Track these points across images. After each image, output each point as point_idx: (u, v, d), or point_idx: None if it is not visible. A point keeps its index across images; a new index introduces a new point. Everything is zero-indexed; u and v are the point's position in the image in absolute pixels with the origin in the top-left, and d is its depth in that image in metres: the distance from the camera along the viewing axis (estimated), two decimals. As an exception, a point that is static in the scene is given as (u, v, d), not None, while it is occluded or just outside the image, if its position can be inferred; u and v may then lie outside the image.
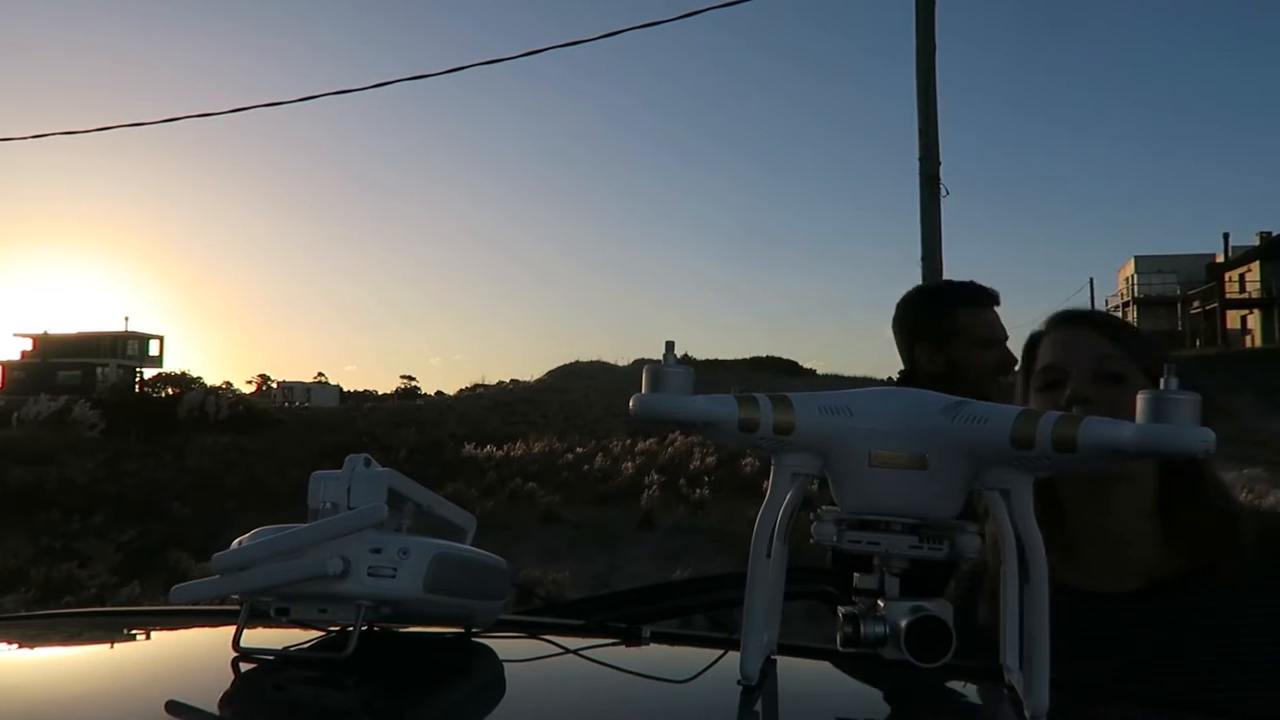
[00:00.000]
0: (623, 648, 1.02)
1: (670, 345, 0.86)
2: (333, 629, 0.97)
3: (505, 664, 0.98)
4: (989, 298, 2.28)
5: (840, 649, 0.85)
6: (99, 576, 12.21)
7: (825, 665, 1.01)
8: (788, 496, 0.87)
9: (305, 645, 0.97)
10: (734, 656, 0.86)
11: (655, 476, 17.53)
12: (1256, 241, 44.70)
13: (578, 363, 43.08)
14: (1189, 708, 1.06)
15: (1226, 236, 46.77)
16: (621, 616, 1.40)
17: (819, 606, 1.91)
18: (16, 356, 51.38)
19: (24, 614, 1.69)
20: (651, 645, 1.04)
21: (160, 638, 1.24)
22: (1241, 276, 43.58)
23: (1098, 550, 1.25)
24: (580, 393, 33.92)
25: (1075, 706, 0.93)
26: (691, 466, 18.18)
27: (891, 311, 2.38)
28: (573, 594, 8.18)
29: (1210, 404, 0.80)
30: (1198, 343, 42.05)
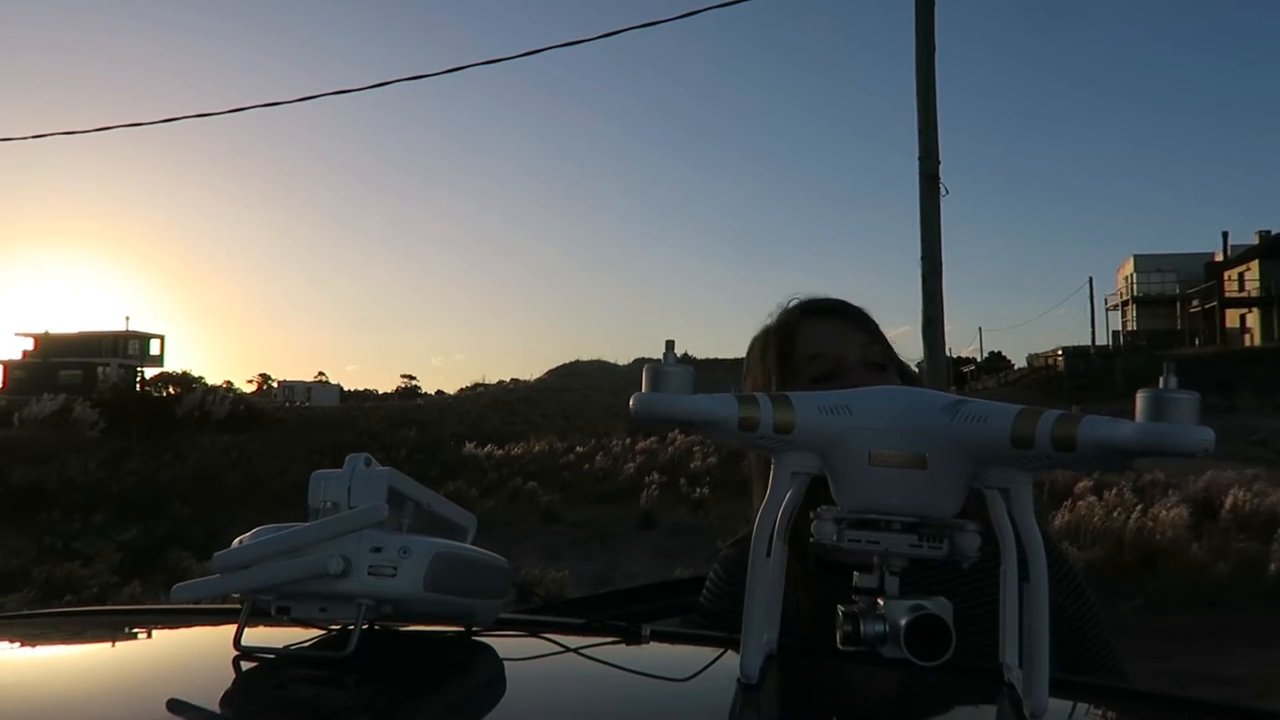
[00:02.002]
0: (623, 646, 1.02)
1: (670, 345, 0.86)
2: (333, 628, 0.97)
3: (505, 663, 0.98)
4: None
5: (840, 648, 0.85)
6: (100, 575, 12.21)
7: (825, 664, 1.01)
8: (787, 496, 0.87)
9: (306, 644, 0.97)
10: (734, 655, 0.86)
11: (655, 476, 17.53)
12: (1255, 240, 44.64)
13: (578, 362, 43.13)
14: (1190, 706, 1.06)
15: (1225, 235, 46.77)
16: (621, 615, 1.40)
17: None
18: (18, 356, 51.39)
19: (25, 613, 1.69)
20: (651, 644, 1.04)
21: (161, 637, 1.24)
22: (1240, 275, 43.53)
23: None
24: (580, 392, 33.94)
25: (1075, 706, 0.93)
26: (692, 466, 18.18)
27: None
28: (573, 593, 8.18)
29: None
30: (1197, 341, 42.05)
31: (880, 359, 1.34)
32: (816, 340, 1.35)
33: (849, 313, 1.40)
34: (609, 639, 1.02)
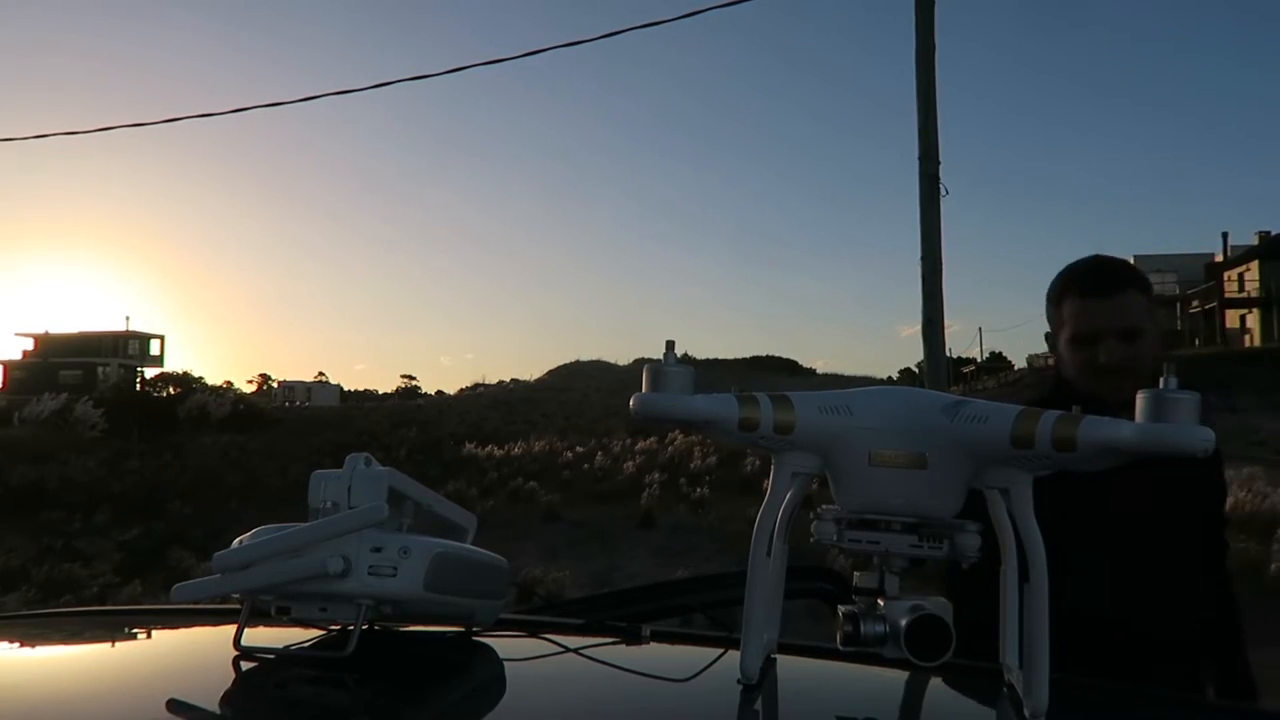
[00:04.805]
0: (623, 647, 1.02)
1: (670, 345, 0.86)
2: (333, 628, 0.97)
3: (505, 663, 0.98)
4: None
5: (840, 648, 0.85)
6: (100, 575, 12.20)
7: (825, 664, 1.01)
8: (788, 496, 0.87)
9: (306, 644, 0.97)
10: (734, 655, 0.86)
11: (655, 475, 17.52)
12: (1255, 241, 44.61)
13: (578, 362, 43.10)
14: (1190, 706, 1.06)
15: (1225, 236, 46.71)
16: (621, 615, 1.40)
17: (819, 606, 1.91)
18: (18, 356, 51.39)
19: (25, 613, 1.69)
20: (651, 644, 1.04)
21: (161, 636, 1.24)
22: (1240, 276, 43.50)
23: None
24: (580, 392, 33.91)
25: (1075, 705, 0.93)
26: (692, 466, 18.17)
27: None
28: (573, 593, 8.18)
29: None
30: (1197, 342, 42.00)
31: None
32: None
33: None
34: (609, 639, 1.02)
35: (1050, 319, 1.84)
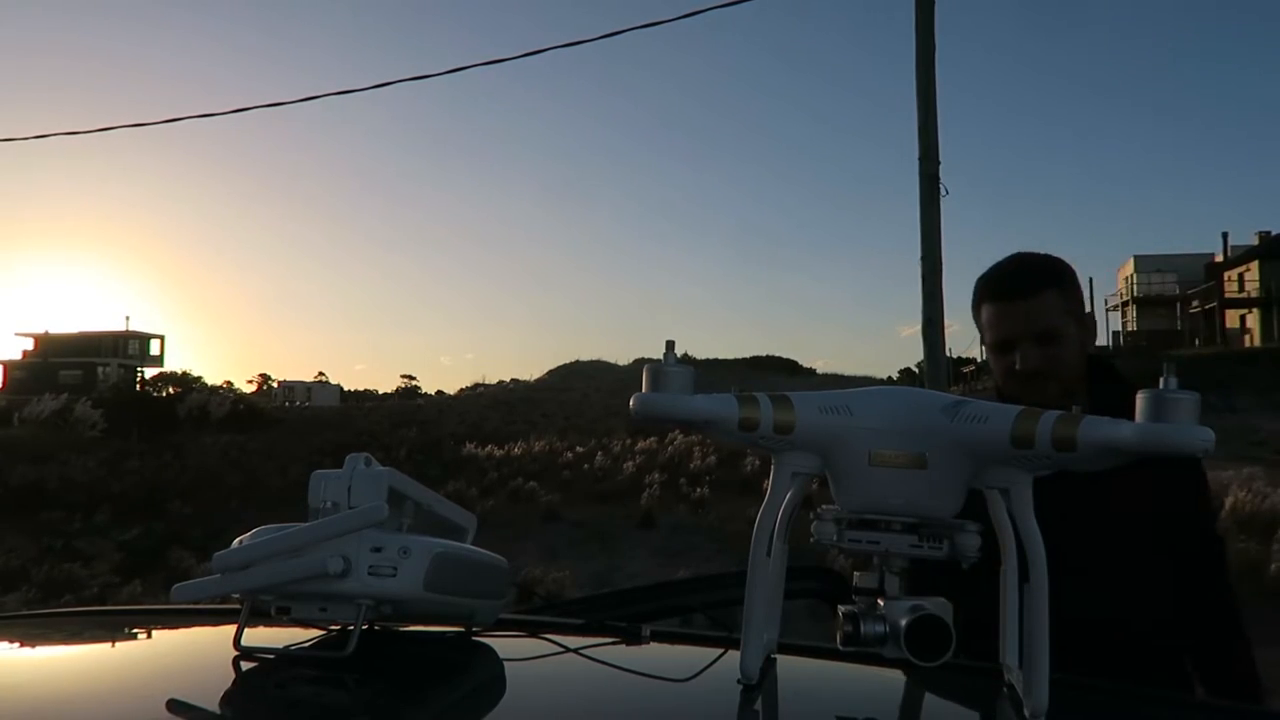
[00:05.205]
0: (623, 647, 1.02)
1: (670, 345, 0.87)
2: (333, 628, 0.97)
3: (505, 663, 0.98)
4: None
5: (840, 648, 0.85)
6: (100, 575, 12.21)
7: (825, 664, 1.01)
8: (788, 496, 0.87)
9: (306, 644, 0.97)
10: (734, 656, 0.86)
11: (655, 475, 17.52)
12: (1255, 241, 44.60)
13: (578, 362, 43.11)
14: (1190, 706, 1.06)
15: (1225, 236, 46.68)
16: (621, 615, 1.41)
17: (819, 606, 1.91)
18: (18, 356, 51.41)
19: (25, 613, 1.69)
20: (651, 644, 1.04)
21: (161, 637, 1.24)
22: (1240, 276, 43.50)
23: None
24: (580, 392, 33.92)
25: (1075, 705, 0.93)
26: (692, 465, 18.17)
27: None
28: (573, 593, 8.17)
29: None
30: (1197, 342, 41.99)
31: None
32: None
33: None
34: (609, 639, 1.02)
35: (976, 325, 1.82)
